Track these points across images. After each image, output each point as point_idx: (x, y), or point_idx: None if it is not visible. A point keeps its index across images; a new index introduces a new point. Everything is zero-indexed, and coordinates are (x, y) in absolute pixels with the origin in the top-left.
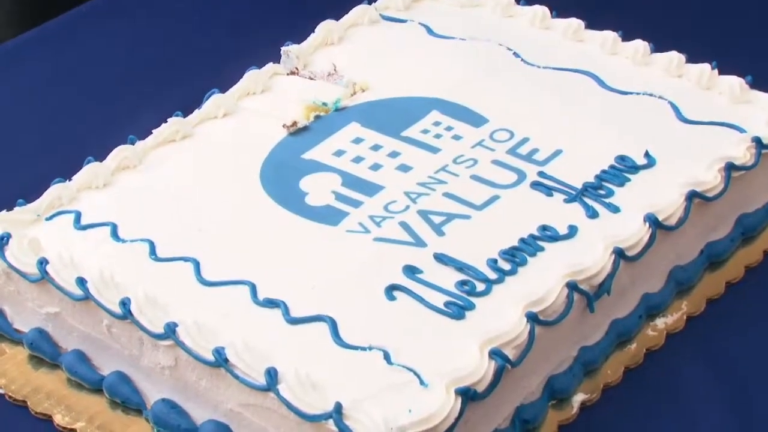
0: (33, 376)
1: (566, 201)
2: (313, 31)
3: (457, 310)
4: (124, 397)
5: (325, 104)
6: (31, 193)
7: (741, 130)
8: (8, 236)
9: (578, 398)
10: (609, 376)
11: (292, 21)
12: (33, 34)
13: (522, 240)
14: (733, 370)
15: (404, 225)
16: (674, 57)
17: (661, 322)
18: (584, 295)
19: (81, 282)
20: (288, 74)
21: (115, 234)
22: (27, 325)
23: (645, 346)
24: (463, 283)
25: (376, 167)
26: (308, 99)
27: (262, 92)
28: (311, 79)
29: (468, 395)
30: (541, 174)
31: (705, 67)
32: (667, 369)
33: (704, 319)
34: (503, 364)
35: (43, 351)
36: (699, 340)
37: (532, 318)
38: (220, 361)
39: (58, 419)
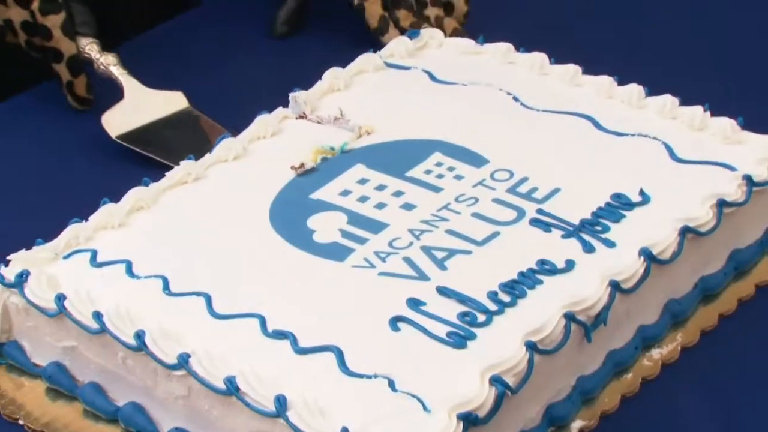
0: (51, 408)
1: (564, 237)
2: (320, 78)
3: (459, 339)
4: (139, 426)
5: (332, 148)
6: (49, 234)
7: (732, 168)
8: (27, 274)
9: (576, 425)
10: (606, 404)
11: (300, 70)
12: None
13: (521, 273)
14: (727, 399)
15: (408, 260)
16: (668, 100)
17: (656, 353)
18: (581, 326)
19: (97, 316)
20: (297, 118)
21: (129, 271)
22: (45, 359)
23: (641, 375)
24: (464, 314)
25: (380, 206)
26: (317, 143)
27: (272, 135)
28: (319, 123)
29: (469, 420)
30: (539, 211)
31: (697, 110)
32: (662, 398)
33: (698, 350)
34: (503, 390)
35: (61, 384)
36: (693, 371)
37: (531, 347)
38: (232, 389)
39: None
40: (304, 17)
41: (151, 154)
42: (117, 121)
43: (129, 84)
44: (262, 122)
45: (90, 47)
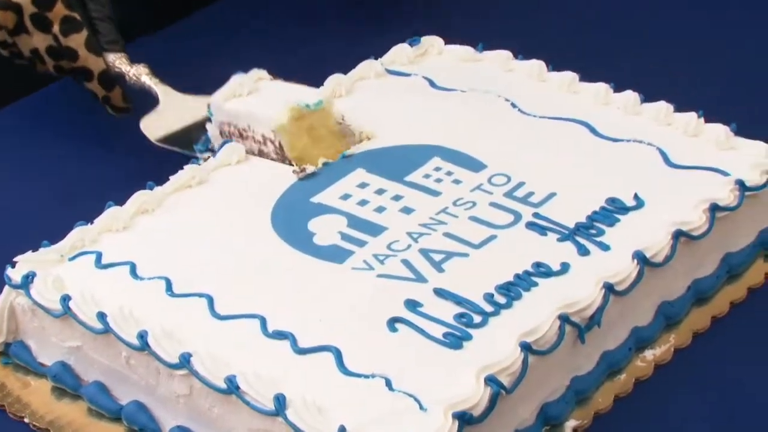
0: (56, 407)
1: (559, 240)
2: (322, 84)
3: (455, 340)
4: (142, 424)
5: (307, 106)
6: (55, 236)
7: (725, 173)
8: (33, 275)
9: (570, 424)
10: (600, 404)
11: (304, 75)
12: (64, 80)
13: (517, 276)
14: (719, 400)
15: (406, 262)
16: (663, 107)
17: (649, 354)
18: (575, 327)
19: (101, 317)
20: (272, 79)
21: (133, 272)
22: (50, 359)
23: (634, 376)
24: (461, 315)
25: (380, 210)
26: (291, 101)
27: (249, 94)
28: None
29: (465, 419)
30: (535, 215)
31: (692, 116)
32: (655, 398)
33: (691, 352)
34: (498, 390)
35: (66, 383)
36: (686, 372)
37: (526, 347)
38: (232, 388)
39: None
40: None
41: (192, 154)
42: (155, 126)
43: (162, 91)
44: (238, 81)
45: (119, 61)
